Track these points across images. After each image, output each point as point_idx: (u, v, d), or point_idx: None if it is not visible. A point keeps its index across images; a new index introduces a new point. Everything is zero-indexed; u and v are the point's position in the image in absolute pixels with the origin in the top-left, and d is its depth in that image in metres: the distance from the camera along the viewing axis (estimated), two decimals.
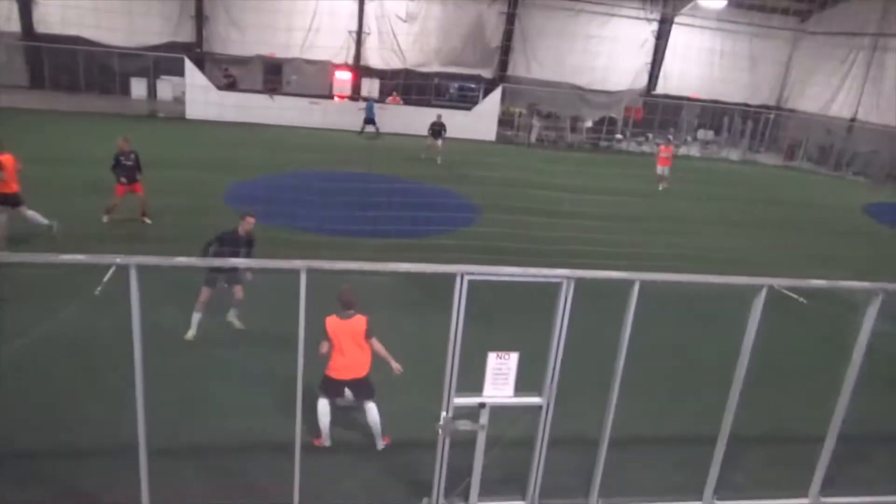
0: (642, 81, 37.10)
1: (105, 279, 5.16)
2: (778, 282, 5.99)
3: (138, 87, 31.13)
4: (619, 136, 33.70)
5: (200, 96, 27.25)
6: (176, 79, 29.66)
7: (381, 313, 10.39)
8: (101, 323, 8.30)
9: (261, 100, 28.26)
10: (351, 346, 6.79)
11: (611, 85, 36.48)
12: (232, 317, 9.27)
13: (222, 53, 32.85)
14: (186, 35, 32.05)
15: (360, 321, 6.87)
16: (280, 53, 32.73)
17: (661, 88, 37.11)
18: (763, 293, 5.83)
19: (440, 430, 5.52)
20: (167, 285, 9.14)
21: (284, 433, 5.91)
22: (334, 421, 7.13)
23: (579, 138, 33.27)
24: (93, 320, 8.56)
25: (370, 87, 33.92)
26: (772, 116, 35.92)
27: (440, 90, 35.55)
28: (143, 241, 12.31)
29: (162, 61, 30.14)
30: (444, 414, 5.49)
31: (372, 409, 6.97)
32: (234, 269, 8.55)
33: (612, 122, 34.65)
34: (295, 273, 5.15)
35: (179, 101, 28.93)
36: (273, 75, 33.48)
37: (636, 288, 5.56)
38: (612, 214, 16.37)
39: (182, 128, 25.77)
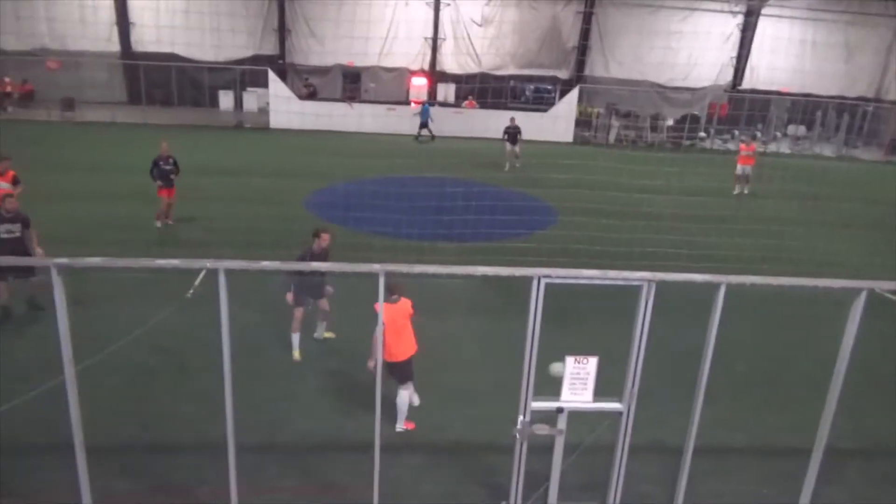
0: (727, 76, 35.72)
1: (196, 282, 5.41)
2: (879, 285, 5.62)
3: (226, 100, 32.62)
4: (702, 133, 32.55)
5: (283, 106, 28.26)
6: (260, 90, 30.90)
7: (459, 317, 10.49)
8: (194, 325, 8.72)
9: (340, 108, 29.02)
10: (404, 327, 7.21)
11: (693, 81, 35.32)
12: (322, 332, 9.44)
13: (303, 64, 33.97)
14: (270, 48, 33.35)
15: (407, 304, 7.29)
16: (358, 62, 33.52)
17: (747, 83, 35.60)
18: (862, 296, 5.48)
19: (518, 434, 5.48)
20: (254, 289, 9.55)
21: (365, 434, 6.02)
22: (418, 423, 7.22)
23: (660, 137, 32.36)
24: (185, 322, 9.01)
25: (446, 91, 34.21)
26: (870, 109, 33.75)
27: (516, 93, 35.43)
28: (232, 246, 12.86)
29: (247, 74, 31.48)
30: (521, 418, 5.45)
31: (404, 393, 7.28)
32: (318, 286, 8.79)
33: (695, 119, 33.50)
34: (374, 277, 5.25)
35: (264, 111, 30.10)
36: (352, 83, 34.32)
37: (722, 291, 5.34)
38: (694, 216, 15.80)
39: (266, 137, 26.79)
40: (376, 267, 5.28)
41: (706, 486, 6.46)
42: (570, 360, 5.44)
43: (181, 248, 12.75)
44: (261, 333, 9.16)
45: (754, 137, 24.05)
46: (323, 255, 8.69)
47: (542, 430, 5.47)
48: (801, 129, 34.61)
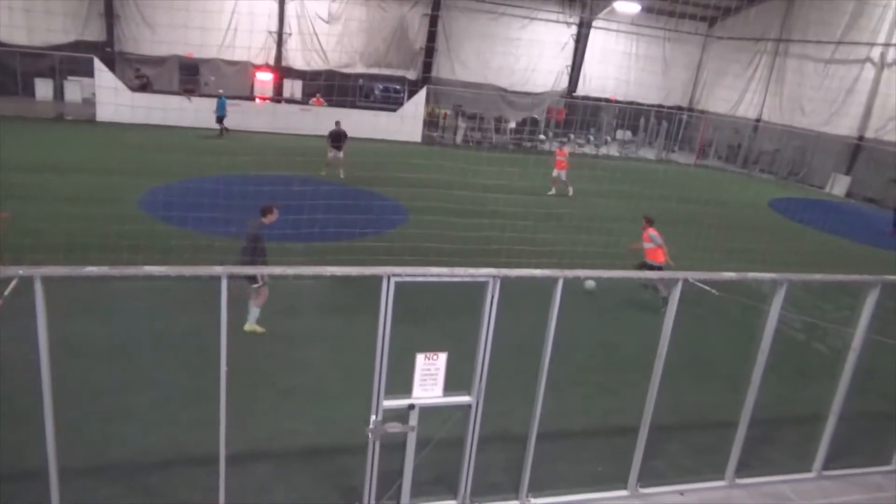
0: (563, 83, 38.05)
1: (6, 293, 4.86)
2: (692, 275, 6.27)
3: (43, 89, 29.44)
4: (542, 136, 34.42)
5: (111, 98, 25.99)
6: (85, 80, 28.21)
7: (311, 318, 10.29)
8: (4, 340, 7.80)
9: (177, 101, 27.24)
10: None
11: (533, 86, 37.25)
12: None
13: (134, 53, 31.51)
14: (96, 34, 30.54)
15: None
16: (197, 53, 31.65)
17: (581, 90, 38.16)
18: (679, 286, 6.09)
19: (370, 434, 5.48)
20: (80, 297, 8.72)
21: (207, 446, 5.72)
22: (260, 430, 6.99)
23: (504, 139, 33.78)
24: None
25: (293, 88, 33.35)
26: (685, 117, 37.54)
27: (364, 91, 35.32)
28: (53, 250, 11.65)
29: (69, 61, 28.61)
30: (373, 417, 5.45)
31: None
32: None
33: (535, 122, 35.36)
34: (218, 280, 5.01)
35: (89, 102, 27.51)
36: (190, 76, 32.36)
37: (560, 285, 5.69)
38: (534, 213, 16.69)
39: (92, 131, 24.55)
40: (218, 269, 5.05)
41: (550, 469, 6.84)
42: (420, 356, 5.53)
43: None
44: (88, 344, 8.39)
45: (563, 142, 25.62)
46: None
47: (394, 427, 5.52)
48: (628, 134, 37.75)
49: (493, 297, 5.54)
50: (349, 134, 21.74)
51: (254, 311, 9.36)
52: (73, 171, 17.56)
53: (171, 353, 8.58)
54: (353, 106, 30.90)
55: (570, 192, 21.94)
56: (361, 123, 28.30)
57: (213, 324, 5.12)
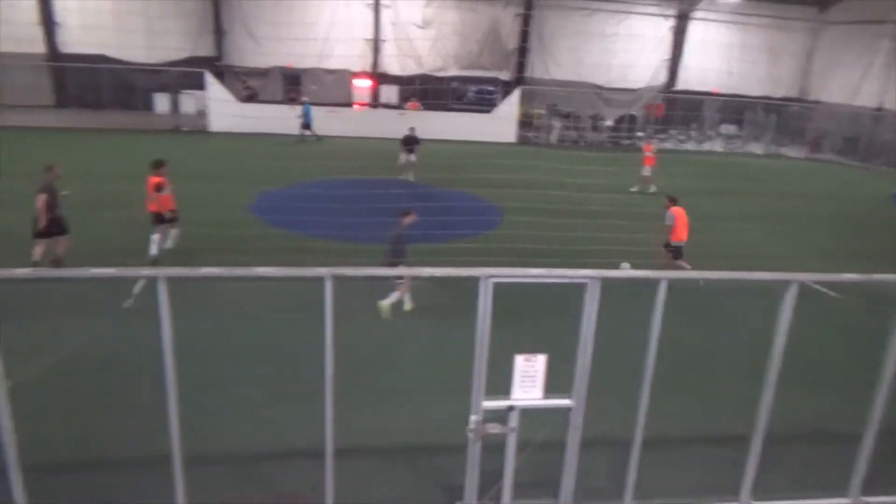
0: (661, 78, 36.81)
1: (135, 291, 5.22)
2: (808, 277, 5.88)
3: (161, 102, 31.68)
4: (640, 133, 33.43)
5: (222, 109, 27.61)
6: (198, 92, 30.11)
7: (409, 318, 10.46)
8: (133, 336, 8.41)
9: (281, 110, 28.54)
10: None
11: (630, 83, 36.25)
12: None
13: (241, 66, 33.29)
14: (206, 49, 32.53)
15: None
16: (298, 64, 33.05)
17: (681, 84, 36.78)
18: (793, 289, 5.72)
19: (470, 434, 5.50)
20: (198, 296, 9.28)
21: (312, 441, 5.93)
22: (361, 427, 7.17)
23: (600, 137, 33.09)
24: (124, 333, 8.68)
25: (389, 93, 34.11)
26: (795, 109, 35.37)
27: (458, 94, 35.60)
28: (174, 253, 12.47)
29: (184, 76, 30.62)
30: (473, 417, 5.47)
31: None
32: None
33: (633, 119, 34.41)
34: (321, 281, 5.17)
35: (202, 114, 29.34)
36: (293, 86, 33.82)
37: (663, 287, 5.49)
38: (635, 213, 16.22)
39: (206, 140, 26.12)
40: (323, 271, 5.21)
41: (655, 476, 6.62)
42: (519, 358, 5.49)
43: (118, 256, 12.26)
44: (204, 341, 8.90)
45: (650, 138, 24.72)
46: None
47: (494, 428, 5.50)
48: (733, 129, 35.98)
49: (592, 298, 5.42)
50: (437, 136, 22.05)
51: (393, 295, 10.19)
52: (188, 179, 18.71)
53: (279, 351, 8.96)
54: (447, 109, 31.25)
55: (652, 189, 21.18)
56: (455, 126, 28.60)
57: (319, 323, 5.29)
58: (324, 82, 33.97)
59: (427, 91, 32.84)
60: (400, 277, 9.90)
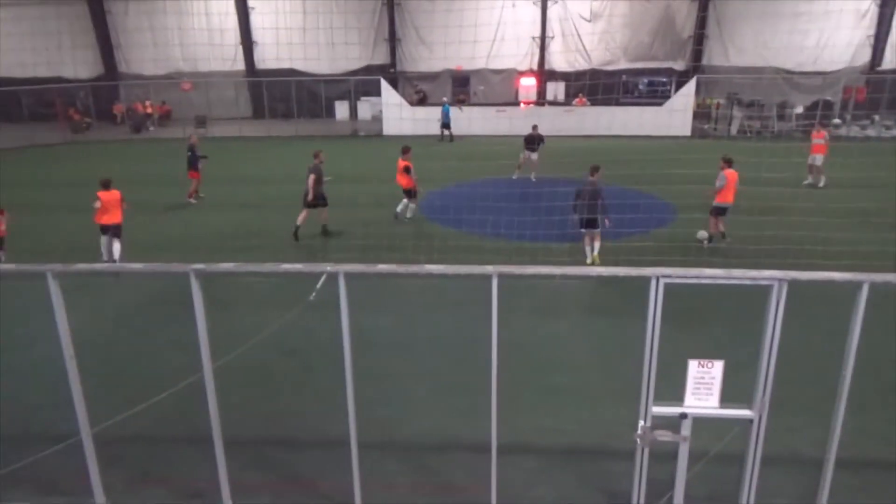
0: (864, 57, 32.83)
1: (318, 286, 5.65)
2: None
3: (341, 110, 34.00)
4: (836, 120, 30.09)
5: (395, 113, 29.02)
6: (373, 99, 31.92)
7: (573, 319, 10.32)
8: (316, 327, 9.11)
9: (450, 112, 29.36)
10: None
11: (824, 65, 32.78)
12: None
13: (413, 71, 34.76)
14: (381, 57, 34.40)
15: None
16: (467, 66, 33.85)
17: (888, 63, 32.55)
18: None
19: (638, 440, 5.30)
20: (373, 292, 9.86)
21: (480, 435, 6.05)
22: (525, 425, 7.19)
23: (788, 126, 30.26)
24: (308, 324, 9.44)
25: (556, 90, 33.81)
26: None
27: (628, 87, 34.41)
28: (352, 250, 13.34)
29: (361, 84, 32.61)
30: (641, 423, 5.26)
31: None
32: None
33: (828, 105, 31.04)
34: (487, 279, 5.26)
35: (377, 119, 31.06)
36: (461, 87, 34.70)
37: (864, 291, 4.90)
38: (825, 209, 14.66)
39: (380, 144, 27.58)
40: (489, 269, 5.29)
41: (848, 502, 5.95)
42: (693, 363, 5.20)
43: (304, 253, 13.40)
44: (378, 334, 9.44)
45: (824, 124, 21.80)
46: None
47: (664, 436, 5.26)
48: None
49: (778, 302, 4.98)
50: (606, 132, 21.36)
51: (597, 245, 12.05)
52: (364, 181, 19.93)
53: (446, 346, 9.26)
54: (617, 103, 30.33)
55: (822, 183, 18.86)
56: (625, 121, 27.66)
57: (486, 319, 5.39)
58: (491, 82, 34.46)
59: (595, 86, 32.09)
60: (596, 226, 11.92)
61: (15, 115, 33.66)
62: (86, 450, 5.92)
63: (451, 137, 28.15)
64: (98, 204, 12.49)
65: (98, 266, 6.30)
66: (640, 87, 34.93)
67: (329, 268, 5.43)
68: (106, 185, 12.74)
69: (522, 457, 6.82)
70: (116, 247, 12.70)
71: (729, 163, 13.46)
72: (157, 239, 14.86)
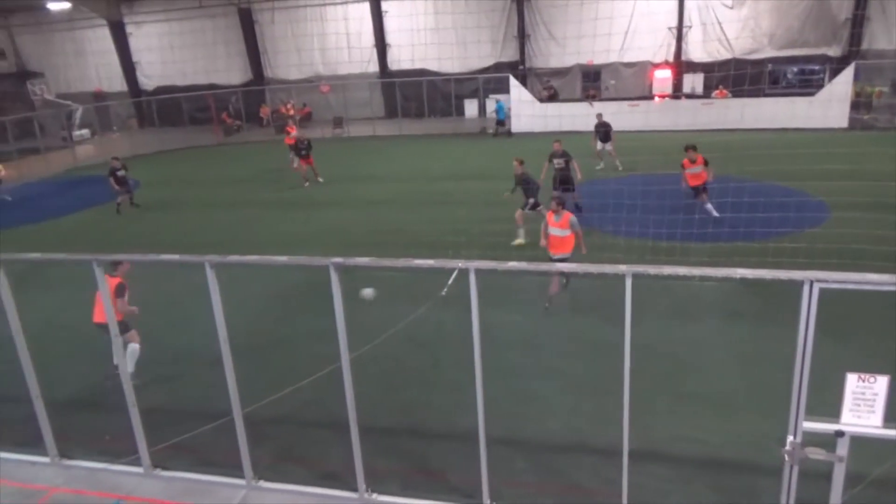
0: None
1: (450, 281, 5.75)
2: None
3: (471, 108, 34.36)
4: None
5: (524, 110, 28.88)
6: (502, 96, 31.97)
7: (713, 323, 9.78)
8: (446, 322, 9.30)
9: (580, 108, 28.80)
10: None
11: None
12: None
13: (542, 67, 34.42)
14: (510, 55, 34.37)
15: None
16: (598, 60, 33.03)
17: None
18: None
19: (786, 457, 4.93)
20: (503, 289, 9.88)
21: (610, 439, 5.90)
22: (659, 431, 6.91)
23: None
24: (439, 319, 9.64)
25: (693, 82, 32.18)
26: None
27: (775, 77, 32.04)
28: (480, 247, 13.45)
29: (490, 82, 32.77)
30: (790, 438, 4.89)
31: None
32: None
33: None
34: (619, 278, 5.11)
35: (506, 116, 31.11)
36: (591, 82, 33.94)
37: None
38: None
39: (508, 141, 27.58)
40: (623, 268, 5.15)
41: None
42: (852, 377, 4.75)
43: (434, 249, 13.63)
44: (507, 331, 9.46)
45: None
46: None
47: (817, 454, 4.85)
48: None
49: None
50: (750, 125, 19.94)
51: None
52: (492, 177, 19.99)
53: (575, 346, 9.11)
54: (762, 94, 28.36)
55: None
56: (771, 113, 25.83)
57: (615, 320, 5.24)
58: (623, 76, 33.41)
59: (738, 76, 30.15)
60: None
61: (177, 120, 37.22)
62: (237, 428, 6.42)
63: (509, 132, 28.79)
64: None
65: (248, 258, 6.78)
66: (789, 76, 32.40)
67: (460, 264, 5.51)
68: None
69: (655, 464, 6.56)
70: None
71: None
72: (297, 233, 15.78)
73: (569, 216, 10.02)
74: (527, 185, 13.64)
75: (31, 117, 31.78)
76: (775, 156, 19.50)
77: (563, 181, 15.16)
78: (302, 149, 21.21)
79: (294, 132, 24.05)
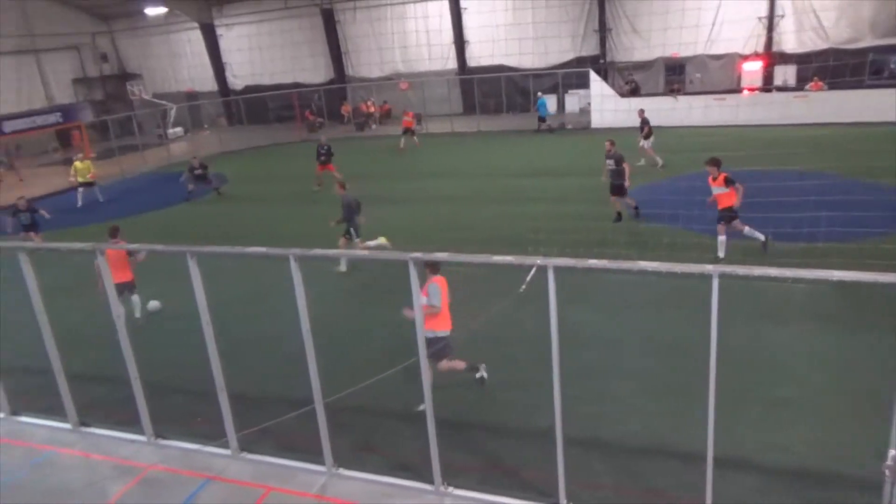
0: None
1: (528, 278, 5.73)
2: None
3: (549, 103, 33.99)
4: None
5: (603, 105, 28.31)
6: (582, 91, 31.45)
7: (804, 326, 9.31)
8: (524, 318, 9.26)
9: (663, 102, 27.97)
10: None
11: None
12: None
13: (624, 61, 33.60)
14: (591, 49, 33.73)
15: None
16: (683, 52, 31.95)
17: None
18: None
19: (887, 472, 4.65)
20: (582, 287, 9.76)
21: (693, 444, 5.72)
22: (746, 438, 6.66)
23: None
24: (516, 315, 9.62)
25: (785, 74, 30.63)
26: None
27: (877, 67, 30.04)
28: (557, 244, 13.32)
29: (569, 77, 32.29)
30: (892, 452, 4.61)
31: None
32: None
33: None
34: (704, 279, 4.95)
35: (585, 112, 30.56)
36: (675, 76, 32.88)
37: None
38: None
39: (587, 137, 27.12)
40: (710, 268, 4.98)
41: None
42: None
43: (512, 245, 13.58)
44: (585, 330, 9.33)
45: None
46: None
47: None
48: None
49: None
50: (849, 119, 18.79)
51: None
52: (569, 173, 19.76)
53: (657, 347, 8.88)
54: (862, 86, 26.70)
55: None
56: (874, 105, 24.25)
57: (700, 321, 5.08)
58: (709, 69, 32.16)
59: (833, 67, 28.48)
60: None
61: (262, 118, 38.68)
62: (318, 417, 6.62)
63: (551, 128, 28.67)
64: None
65: (331, 252, 6.97)
66: (892, 65, 30.30)
67: (539, 261, 5.48)
68: (113, 234, 10.71)
69: (741, 472, 6.31)
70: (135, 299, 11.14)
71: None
72: (376, 228, 16.05)
73: None
74: None
75: (130, 116, 33.84)
76: (878, 151, 18.35)
77: (614, 184, 14.65)
78: (322, 154, 21.13)
79: (411, 116, 26.37)
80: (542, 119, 29.23)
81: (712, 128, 25.36)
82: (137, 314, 11.06)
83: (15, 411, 8.62)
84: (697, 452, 5.49)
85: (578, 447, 6.63)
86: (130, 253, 10.47)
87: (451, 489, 6.37)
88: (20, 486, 7.19)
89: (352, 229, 12.89)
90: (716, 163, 11.93)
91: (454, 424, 7.35)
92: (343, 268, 12.82)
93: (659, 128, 26.34)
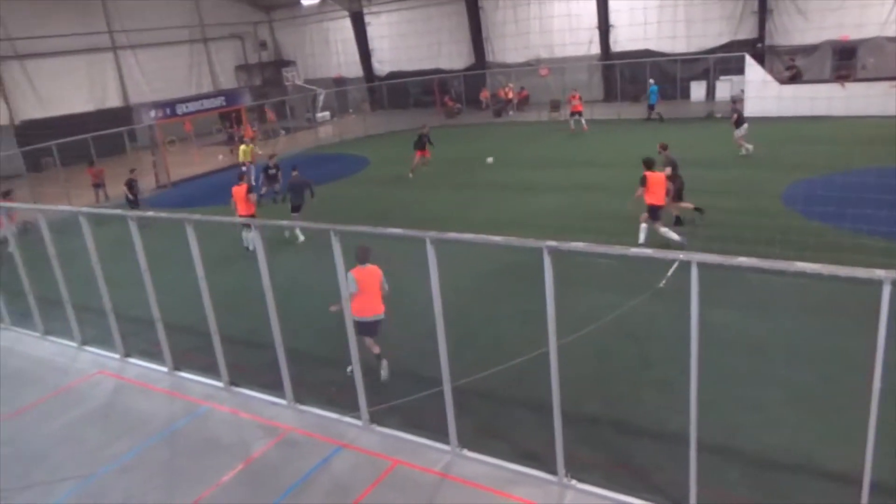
0: None
1: (669, 273, 5.48)
2: None
3: (697, 90, 32.09)
4: None
5: (759, 92, 26.34)
6: (735, 77, 29.41)
7: None
8: (662, 316, 8.88)
9: (826, 90, 25.54)
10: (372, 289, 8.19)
11: None
12: None
13: (784, 45, 30.98)
14: (748, 32, 31.39)
15: (377, 270, 8.29)
16: (854, 35, 28.90)
17: None
18: None
19: None
20: (728, 287, 9.18)
21: (843, 464, 5.23)
22: None
23: None
24: (654, 312, 9.24)
25: None
26: None
27: None
28: (704, 239, 12.63)
29: (722, 62, 30.32)
30: None
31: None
32: None
33: None
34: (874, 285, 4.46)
35: (737, 99, 28.57)
36: (843, 60, 29.82)
37: None
38: None
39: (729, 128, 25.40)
40: (880, 273, 4.50)
41: None
42: None
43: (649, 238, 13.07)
44: (727, 331, 8.78)
45: None
46: None
47: None
48: None
49: None
50: None
51: None
52: (717, 165, 18.60)
53: (809, 355, 8.19)
54: None
55: None
56: None
57: (861, 331, 4.60)
58: (885, 52, 28.84)
59: None
60: None
61: (404, 103, 39.74)
62: (445, 398, 6.75)
63: (661, 117, 27.51)
64: None
65: (466, 236, 7.03)
66: None
67: (681, 255, 5.21)
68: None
69: None
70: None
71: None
72: (513, 215, 16.03)
73: None
74: None
75: (284, 101, 35.95)
76: None
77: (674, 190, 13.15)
78: (428, 142, 22.28)
79: (578, 98, 27.54)
80: (651, 107, 28.34)
81: (883, 118, 22.78)
82: (251, 247, 13.25)
83: (177, 367, 9.54)
84: (851, 474, 5.02)
85: (713, 455, 6.29)
86: (250, 190, 14.63)
87: (574, 482, 6.27)
88: (184, 435, 8.01)
89: None
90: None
91: (581, 418, 7.23)
92: (301, 238, 14.94)
93: (826, 119, 24.16)
